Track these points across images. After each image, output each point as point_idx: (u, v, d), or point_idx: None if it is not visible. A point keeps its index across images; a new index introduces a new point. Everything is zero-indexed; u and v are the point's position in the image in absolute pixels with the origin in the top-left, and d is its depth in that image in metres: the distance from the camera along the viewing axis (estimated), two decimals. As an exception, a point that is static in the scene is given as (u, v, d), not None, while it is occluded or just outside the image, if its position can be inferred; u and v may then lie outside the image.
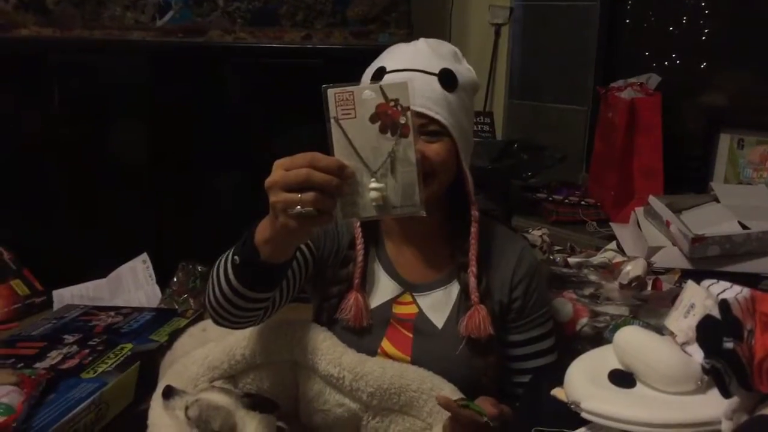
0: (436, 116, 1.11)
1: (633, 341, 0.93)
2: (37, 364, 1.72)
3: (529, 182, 2.40)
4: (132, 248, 2.38)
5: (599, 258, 1.61)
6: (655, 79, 2.34)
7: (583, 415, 0.90)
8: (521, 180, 2.35)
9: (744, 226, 1.88)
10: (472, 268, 1.19)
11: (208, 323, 1.55)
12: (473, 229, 1.20)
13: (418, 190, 0.92)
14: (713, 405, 0.85)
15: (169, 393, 1.15)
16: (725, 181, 2.26)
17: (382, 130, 0.91)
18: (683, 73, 2.41)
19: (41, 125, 2.34)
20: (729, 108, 2.35)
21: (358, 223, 1.23)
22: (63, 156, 2.36)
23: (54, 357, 1.78)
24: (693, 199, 2.08)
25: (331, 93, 0.91)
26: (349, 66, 2.20)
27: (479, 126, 2.57)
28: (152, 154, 2.37)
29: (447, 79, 1.13)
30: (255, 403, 1.17)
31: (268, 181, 0.91)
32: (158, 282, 2.33)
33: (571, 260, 1.61)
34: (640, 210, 2.10)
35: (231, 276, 1.04)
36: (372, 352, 1.20)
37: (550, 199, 2.37)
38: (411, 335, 1.22)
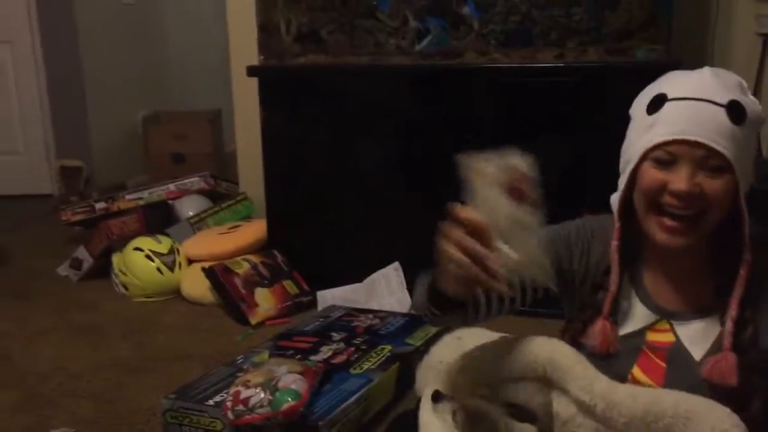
0: (722, 150, 1.04)
1: None
2: (312, 357, 1.92)
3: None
4: (386, 256, 2.55)
5: None
6: None
7: None
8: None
9: None
10: (732, 313, 1.10)
11: (464, 332, 1.61)
12: (742, 272, 1.10)
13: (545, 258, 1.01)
14: None
15: (437, 397, 1.21)
16: None
17: (512, 198, 0.99)
18: None
19: (310, 141, 2.60)
20: None
21: (616, 251, 1.18)
22: (329, 171, 2.60)
23: (325, 352, 1.98)
24: None
25: (464, 160, 1.00)
26: (606, 83, 2.22)
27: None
28: (407, 170, 2.53)
29: (736, 111, 1.06)
30: (517, 413, 1.21)
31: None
32: (408, 289, 2.48)
33: None
34: None
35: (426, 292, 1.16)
36: (621, 379, 1.16)
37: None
38: (664, 364, 1.16)
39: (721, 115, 1.05)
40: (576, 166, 2.26)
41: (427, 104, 2.44)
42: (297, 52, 2.54)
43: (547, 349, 1.22)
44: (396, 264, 2.54)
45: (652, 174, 1.09)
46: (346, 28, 2.47)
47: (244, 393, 1.61)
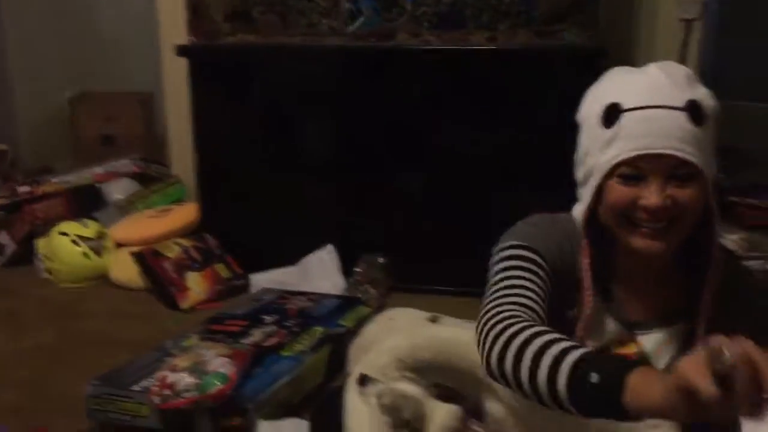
0: (690, 158, 0.99)
1: None
2: (243, 340, 1.90)
3: (722, 185, 2.29)
4: (320, 239, 2.54)
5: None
6: None
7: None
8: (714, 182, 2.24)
9: None
10: (702, 318, 1.08)
11: (395, 312, 1.62)
12: (710, 276, 1.07)
13: None
14: None
15: (363, 381, 1.21)
16: None
17: None
18: None
19: (242, 123, 2.56)
20: None
21: (587, 270, 1.09)
22: (262, 153, 2.57)
23: (257, 335, 1.96)
24: None
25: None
26: (536, 65, 2.25)
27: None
28: (341, 151, 2.52)
29: (696, 112, 1.00)
30: (443, 394, 1.22)
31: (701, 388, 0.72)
32: (342, 272, 2.48)
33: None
34: None
35: (563, 381, 0.86)
36: None
37: (744, 202, 2.25)
38: None
39: (683, 119, 1.00)
40: (507, 147, 2.30)
41: (359, 85, 2.43)
42: (227, 31, 2.48)
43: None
44: (330, 247, 2.53)
45: (620, 191, 1.04)
46: (277, 8, 2.43)
47: (171, 377, 1.59)
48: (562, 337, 0.91)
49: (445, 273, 2.42)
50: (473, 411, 1.26)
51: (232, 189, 2.61)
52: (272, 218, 2.56)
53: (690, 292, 1.10)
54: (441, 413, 1.19)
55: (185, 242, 2.54)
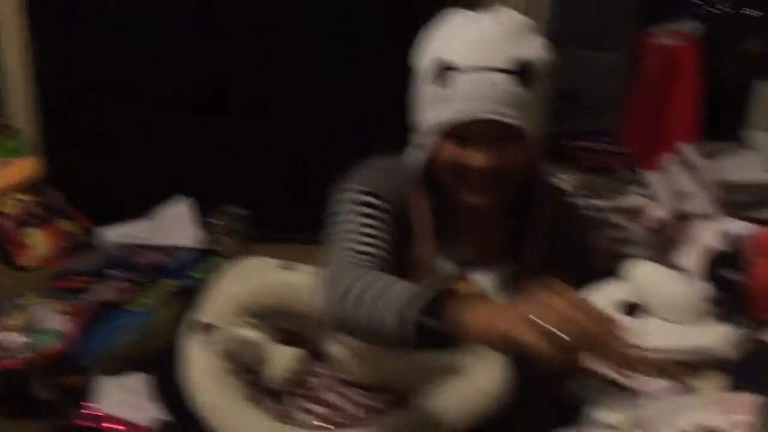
0: (515, 122, 1.02)
1: (648, 274, 0.97)
2: (87, 296, 1.83)
3: (561, 129, 2.40)
4: (175, 190, 2.46)
5: (626, 202, 1.63)
6: (694, 26, 2.30)
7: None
8: (554, 126, 2.35)
9: (776, 175, 1.88)
10: (530, 260, 1.14)
11: (248, 262, 1.60)
12: (535, 221, 1.14)
13: None
14: (717, 333, 0.89)
15: (203, 328, 1.21)
16: (761, 130, 2.23)
17: None
18: (723, 20, 2.37)
19: (87, 66, 2.41)
20: (769, 55, 2.30)
21: (421, 217, 1.14)
22: (110, 100, 2.44)
23: (102, 290, 1.89)
24: (726, 148, 2.07)
25: None
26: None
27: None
28: (196, 100, 2.44)
29: (525, 74, 1.01)
30: (285, 337, 1.23)
31: (547, 300, 0.79)
32: (198, 224, 2.42)
33: (599, 203, 1.63)
34: (672, 157, 2.10)
35: (396, 324, 0.90)
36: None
37: (581, 146, 2.37)
38: None
39: (510, 83, 1.00)
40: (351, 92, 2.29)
41: (208, 32, 2.35)
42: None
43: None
44: (186, 197, 2.45)
45: (449, 150, 1.07)
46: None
47: (2, 337, 1.51)
48: (398, 280, 0.96)
49: (303, 222, 2.41)
50: (316, 353, 1.28)
51: (77, 140, 2.47)
52: (122, 170, 2.46)
53: (521, 234, 1.16)
54: (282, 356, 1.20)
55: (26, 198, 2.39)
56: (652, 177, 2.12)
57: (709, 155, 2.00)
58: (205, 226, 2.38)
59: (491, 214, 1.17)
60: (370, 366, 1.21)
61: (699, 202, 1.86)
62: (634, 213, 1.57)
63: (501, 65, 1.00)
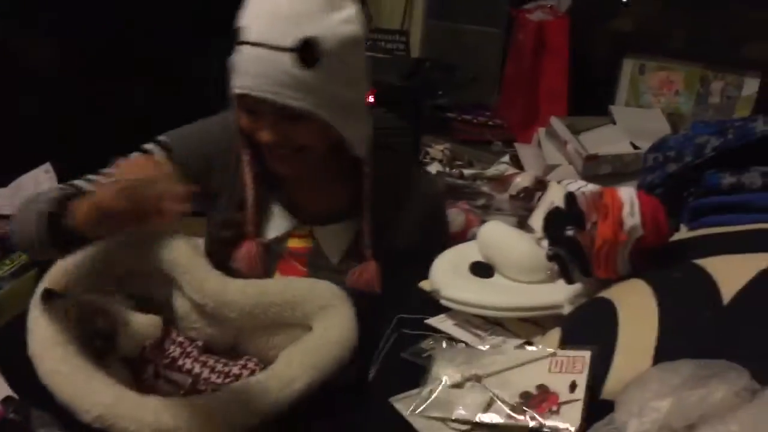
0: (293, 102, 0.97)
1: (493, 234, 0.99)
2: (-71, 267, 1.69)
3: (441, 102, 2.43)
4: (34, 157, 2.31)
5: (492, 171, 1.67)
6: (565, 2, 2.37)
7: (442, 302, 0.96)
8: (432, 99, 2.37)
9: (635, 147, 1.97)
10: (366, 223, 1.12)
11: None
12: (365, 186, 1.11)
13: None
14: (559, 291, 0.92)
15: (48, 296, 1.12)
16: (626, 105, 2.34)
17: None
18: (593, -1, 2.45)
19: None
20: (634, 33, 2.41)
21: (247, 166, 1.12)
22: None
23: (-53, 260, 1.75)
24: (592, 121, 2.15)
25: None
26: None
27: (394, 44, 2.56)
28: (64, 59, 2.28)
29: (306, 54, 0.95)
30: (139, 303, 1.17)
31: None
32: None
33: (467, 172, 1.66)
34: (542, 130, 2.16)
35: (35, 223, 0.99)
36: None
37: (459, 118, 2.41)
38: (305, 269, 1.17)
39: (289, 63, 0.95)
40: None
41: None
42: None
43: (169, 248, 1.16)
44: (47, 165, 2.31)
45: (243, 119, 1.04)
46: None
47: None
48: (52, 192, 1.04)
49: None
50: (171, 320, 1.23)
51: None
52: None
53: (353, 198, 1.15)
54: (137, 323, 1.14)
55: None
56: (523, 149, 2.18)
57: (575, 129, 2.08)
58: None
59: (325, 173, 1.15)
60: (213, 318, 1.16)
61: (564, 172, 1.93)
62: (499, 181, 1.61)
63: (282, 43, 0.96)
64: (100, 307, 1.13)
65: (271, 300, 1.10)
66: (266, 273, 1.16)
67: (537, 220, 1.03)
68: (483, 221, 1.57)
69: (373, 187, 1.12)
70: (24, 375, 1.19)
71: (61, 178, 2.28)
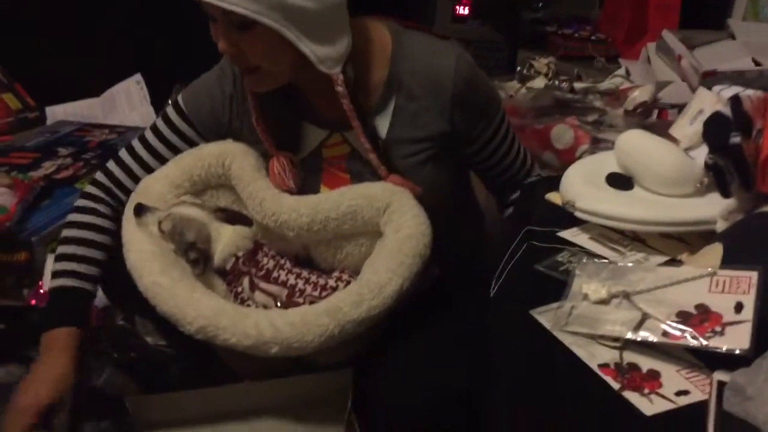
0: (235, 8, 0.94)
1: (635, 143, 0.91)
2: (31, 173, 1.71)
3: (539, 15, 2.30)
4: (126, 68, 2.31)
5: (606, 84, 1.56)
6: None
7: (577, 214, 0.89)
8: (531, 11, 2.24)
9: (757, 63, 1.81)
10: (361, 134, 1.08)
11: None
12: (344, 107, 1.05)
13: None
14: (710, 206, 0.84)
15: (140, 210, 1.12)
16: (743, 19, 2.15)
17: None
18: None
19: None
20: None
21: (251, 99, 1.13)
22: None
23: (48, 167, 1.77)
24: (708, 36, 1.99)
25: None
26: None
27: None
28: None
29: None
30: (228, 216, 1.15)
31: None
32: (153, 103, 2.28)
33: (577, 86, 1.56)
34: (651, 45, 2.01)
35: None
36: None
37: (560, 33, 2.27)
38: (348, 175, 1.15)
39: None
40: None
41: None
42: None
43: (232, 159, 1.17)
44: (138, 76, 2.30)
45: (213, 31, 1.03)
46: None
47: (-62, 210, 1.40)
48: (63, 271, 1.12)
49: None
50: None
51: (17, 7, 2.26)
52: (70, 43, 2.27)
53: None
54: (228, 233, 1.13)
55: (-37, 69, 2.21)
56: (630, 65, 2.04)
57: (689, 43, 1.93)
58: (159, 106, 2.25)
59: (328, 83, 1.06)
60: (282, 240, 1.17)
61: (677, 90, 1.80)
62: (613, 96, 1.50)
63: None
64: (191, 218, 1.12)
65: (326, 215, 1.09)
66: (304, 187, 1.15)
67: (680, 129, 0.94)
68: (594, 138, 1.49)
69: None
70: (123, 292, 1.20)
71: (152, 89, 2.28)
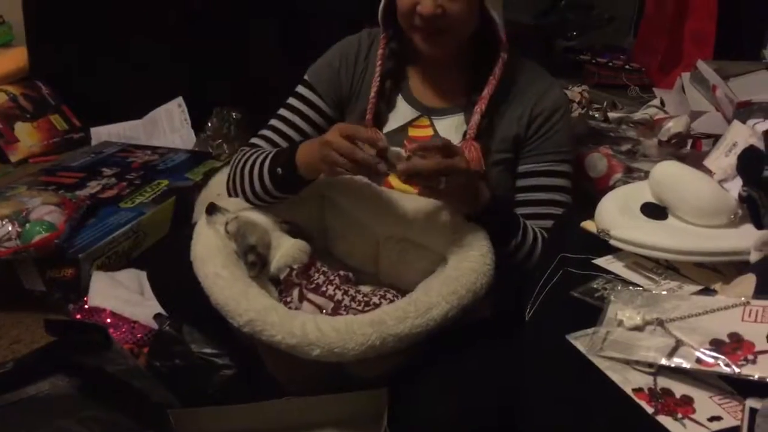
0: None
1: (670, 174, 0.93)
2: (78, 192, 1.78)
3: (573, 43, 2.32)
4: (168, 92, 2.38)
5: (640, 114, 1.57)
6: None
7: (612, 242, 0.91)
8: (565, 39, 2.27)
9: (794, 94, 1.81)
10: (481, 106, 1.21)
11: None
12: (497, 70, 1.21)
13: None
14: (743, 237, 0.85)
15: (211, 209, 1.19)
16: (779, 50, 2.15)
17: None
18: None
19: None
20: (793, -29, 2.20)
21: (380, 59, 1.26)
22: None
23: (93, 187, 1.84)
24: (743, 67, 1.99)
25: None
26: None
27: (526, -19, 2.45)
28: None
29: None
30: (291, 228, 1.21)
31: (326, 139, 1.05)
32: (193, 126, 2.34)
33: (611, 115, 1.57)
34: (686, 75, 2.02)
35: (267, 180, 1.17)
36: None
37: (594, 61, 2.29)
38: None
39: None
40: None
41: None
42: None
43: None
44: (179, 99, 2.38)
45: None
46: None
47: (-9, 226, 1.46)
48: (268, 153, 1.21)
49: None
50: (319, 252, 1.26)
51: (67, 31, 2.35)
52: (115, 66, 2.35)
53: (474, 85, 1.24)
54: (287, 244, 1.18)
55: (13, 90, 2.31)
56: (663, 94, 2.05)
57: (724, 74, 1.93)
58: (200, 128, 2.32)
59: (448, 64, 1.25)
60: (364, 256, 1.26)
61: (711, 120, 1.81)
62: (647, 126, 1.52)
63: None
64: (255, 223, 1.18)
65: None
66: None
67: (715, 161, 0.96)
68: (627, 168, 1.50)
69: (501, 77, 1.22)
70: (171, 292, 1.26)
71: (193, 112, 2.34)
